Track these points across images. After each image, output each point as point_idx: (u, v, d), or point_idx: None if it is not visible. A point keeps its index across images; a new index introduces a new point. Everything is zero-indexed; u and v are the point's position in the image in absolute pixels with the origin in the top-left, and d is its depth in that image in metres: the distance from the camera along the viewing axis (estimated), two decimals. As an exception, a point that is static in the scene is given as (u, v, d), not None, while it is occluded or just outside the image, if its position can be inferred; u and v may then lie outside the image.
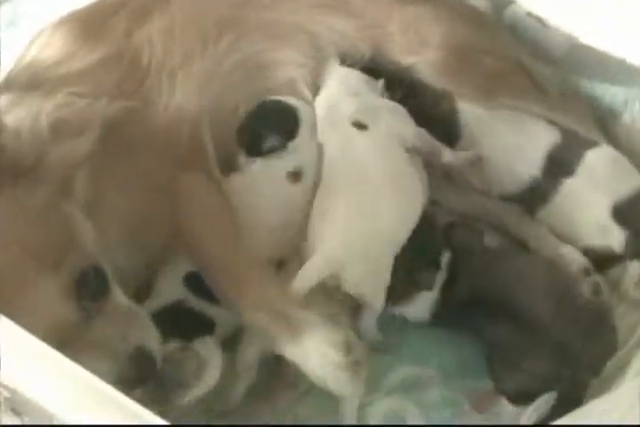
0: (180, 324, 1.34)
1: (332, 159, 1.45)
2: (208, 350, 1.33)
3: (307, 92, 1.54)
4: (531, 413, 1.34)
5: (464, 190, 1.57)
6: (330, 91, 1.54)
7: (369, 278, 1.36)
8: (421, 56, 1.54)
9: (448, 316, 1.43)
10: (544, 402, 1.33)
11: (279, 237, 1.41)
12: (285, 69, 1.55)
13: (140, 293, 1.35)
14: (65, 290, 1.16)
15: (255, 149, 1.47)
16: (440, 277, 1.43)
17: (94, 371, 1.14)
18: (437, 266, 1.43)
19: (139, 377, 1.21)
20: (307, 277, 1.32)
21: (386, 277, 1.38)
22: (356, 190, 1.40)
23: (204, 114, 1.47)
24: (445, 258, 1.43)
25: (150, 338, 1.24)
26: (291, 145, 1.47)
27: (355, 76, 1.55)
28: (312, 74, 1.56)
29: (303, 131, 1.49)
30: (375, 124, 1.48)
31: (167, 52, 1.48)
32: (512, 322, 1.38)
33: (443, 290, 1.42)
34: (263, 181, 1.45)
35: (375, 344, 1.40)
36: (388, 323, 1.44)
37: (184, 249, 1.36)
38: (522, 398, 1.36)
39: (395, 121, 1.49)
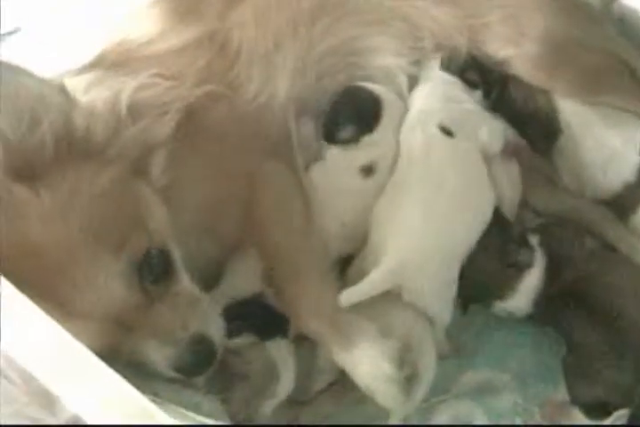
0: (255, 319, 1.32)
1: (411, 160, 1.41)
2: (281, 353, 1.32)
3: (403, 84, 1.50)
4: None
5: (556, 191, 1.53)
6: (425, 91, 1.49)
7: (434, 292, 1.33)
8: (518, 48, 1.47)
9: (544, 312, 1.38)
10: (619, 418, 1.28)
11: (350, 232, 1.39)
12: (382, 57, 1.50)
13: (209, 281, 1.33)
14: (127, 271, 1.14)
15: (332, 136, 1.44)
16: (539, 259, 1.38)
17: (153, 356, 1.18)
18: (528, 246, 1.39)
19: (197, 365, 1.20)
20: (365, 290, 1.30)
21: (452, 291, 1.35)
22: (432, 199, 1.37)
23: (294, 101, 1.44)
24: (534, 239, 1.40)
25: (212, 326, 1.23)
26: (368, 137, 1.43)
27: (453, 83, 1.50)
28: (410, 65, 1.51)
29: (385, 124, 1.45)
30: (463, 133, 1.43)
31: (259, 35, 1.45)
32: (604, 328, 1.33)
33: (544, 281, 1.37)
34: (336, 172, 1.42)
35: (446, 352, 1.38)
36: (465, 326, 1.42)
37: (254, 240, 1.35)
38: (597, 410, 1.31)
39: (484, 135, 1.44)
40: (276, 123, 1.42)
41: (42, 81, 1.17)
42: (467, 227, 1.37)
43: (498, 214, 1.40)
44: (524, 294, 1.37)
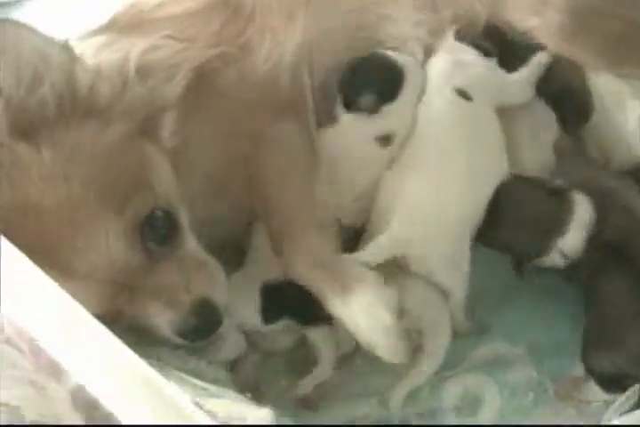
0: (294, 303, 1.30)
1: (427, 126, 1.38)
2: (323, 340, 1.30)
3: (419, 54, 1.47)
4: (621, 403, 1.24)
5: (579, 163, 1.49)
6: (440, 59, 1.45)
7: (442, 262, 1.30)
8: (540, 18, 1.44)
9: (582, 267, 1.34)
10: (633, 394, 1.24)
11: (364, 202, 1.35)
12: (399, 26, 1.47)
13: (227, 251, 1.32)
14: (129, 230, 1.13)
15: (351, 103, 1.40)
16: (581, 195, 1.34)
17: (155, 319, 1.17)
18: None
19: (199, 330, 1.19)
20: (369, 256, 1.27)
21: (463, 262, 1.32)
22: (438, 168, 1.34)
23: (307, 63, 1.42)
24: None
25: (217, 291, 1.21)
26: (387, 107, 1.39)
27: (468, 51, 1.46)
28: (428, 35, 1.48)
29: (406, 93, 1.41)
30: (480, 95, 1.40)
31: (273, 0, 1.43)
32: (637, 290, 1.29)
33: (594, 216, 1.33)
34: (352, 138, 1.39)
35: (464, 329, 1.35)
36: (481, 299, 1.37)
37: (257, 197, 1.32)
38: (613, 382, 1.27)
39: (503, 99, 1.42)
40: (287, 84, 1.40)
41: (45, 39, 1.15)
42: (474, 195, 1.33)
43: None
44: (578, 223, 1.32)
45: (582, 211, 1.33)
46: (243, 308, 1.29)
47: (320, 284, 1.25)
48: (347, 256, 1.28)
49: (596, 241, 1.32)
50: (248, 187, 1.33)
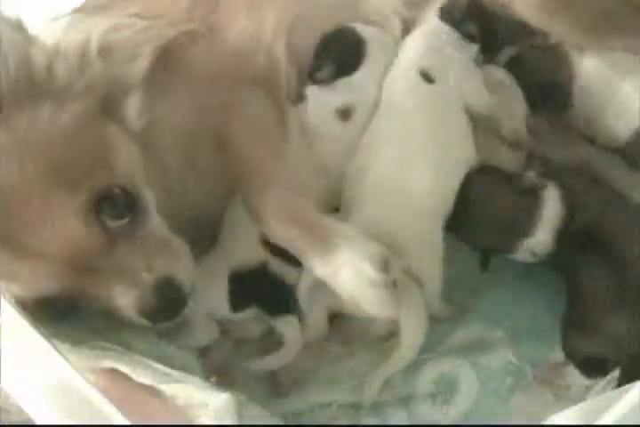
0: (262, 292, 1.28)
1: (389, 106, 1.36)
2: (290, 330, 1.27)
3: (397, 29, 1.44)
4: (602, 387, 1.22)
5: (567, 140, 1.45)
6: (415, 38, 1.42)
7: (412, 243, 1.27)
8: None
9: (556, 255, 1.31)
10: (613, 380, 1.21)
11: (336, 179, 1.33)
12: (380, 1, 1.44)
13: (204, 235, 1.30)
14: (84, 208, 1.10)
15: (313, 75, 1.40)
16: (552, 189, 1.31)
17: (118, 300, 1.14)
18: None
19: (162, 310, 1.16)
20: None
21: (436, 247, 1.29)
22: (398, 149, 1.31)
23: (285, 40, 1.40)
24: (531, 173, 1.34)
25: (181, 269, 1.18)
26: (346, 80, 1.38)
27: (448, 34, 1.42)
28: (407, 9, 1.45)
29: (366, 67, 1.39)
30: (443, 81, 1.37)
31: None
32: (613, 275, 1.26)
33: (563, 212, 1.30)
34: (314, 112, 1.37)
35: (441, 315, 1.32)
36: (460, 283, 1.35)
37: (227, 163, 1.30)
38: (593, 367, 1.25)
39: (464, 82, 1.38)
40: (259, 56, 1.38)
41: None
42: (441, 177, 1.30)
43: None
44: (546, 223, 1.29)
45: (552, 210, 1.30)
46: (211, 295, 1.27)
47: (301, 242, 1.22)
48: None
49: (570, 228, 1.29)
50: (220, 157, 1.30)
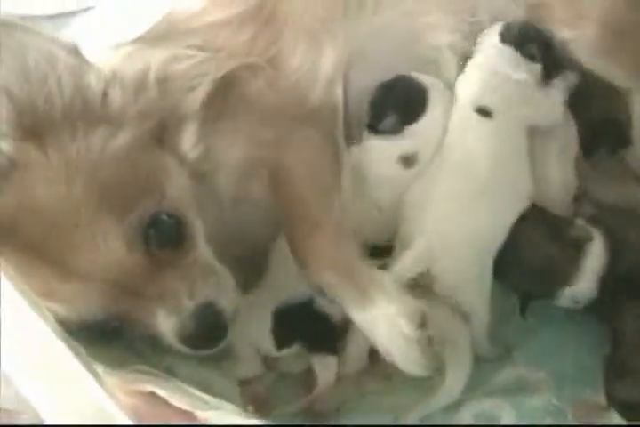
0: (307, 328, 1.29)
1: (448, 145, 1.36)
2: (324, 372, 1.29)
3: (450, 62, 1.43)
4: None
5: (618, 180, 1.45)
6: (473, 69, 1.42)
7: (464, 283, 1.28)
8: (576, 31, 1.39)
9: (599, 301, 1.30)
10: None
11: (387, 219, 1.34)
12: (436, 35, 1.44)
13: (253, 270, 1.32)
14: (130, 233, 1.13)
15: (374, 125, 1.39)
16: (598, 236, 1.30)
17: (160, 326, 1.16)
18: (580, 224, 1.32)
19: (202, 336, 1.17)
20: (402, 268, 1.26)
21: (485, 284, 1.29)
22: (460, 184, 1.32)
23: (342, 79, 1.41)
24: (580, 220, 1.33)
25: (224, 297, 1.19)
26: (410, 128, 1.38)
27: (508, 55, 1.42)
28: (466, 40, 1.44)
29: (429, 114, 1.39)
30: (503, 111, 1.36)
31: (307, 10, 1.41)
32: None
33: (607, 261, 1.29)
34: (375, 160, 1.37)
35: (486, 354, 1.32)
36: (506, 323, 1.35)
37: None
38: (633, 411, 1.23)
39: (529, 112, 1.38)
40: (317, 95, 1.38)
41: (52, 40, 1.17)
42: (498, 215, 1.31)
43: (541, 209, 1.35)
44: (589, 274, 1.29)
45: (596, 261, 1.29)
46: (256, 330, 1.28)
47: (343, 290, 1.24)
48: (371, 264, 1.26)
49: (611, 275, 1.29)
50: (270, 195, 1.32)
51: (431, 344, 1.21)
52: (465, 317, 1.29)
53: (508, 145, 1.36)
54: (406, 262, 1.27)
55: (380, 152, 1.38)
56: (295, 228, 1.29)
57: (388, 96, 1.41)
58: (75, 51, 1.19)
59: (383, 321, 1.20)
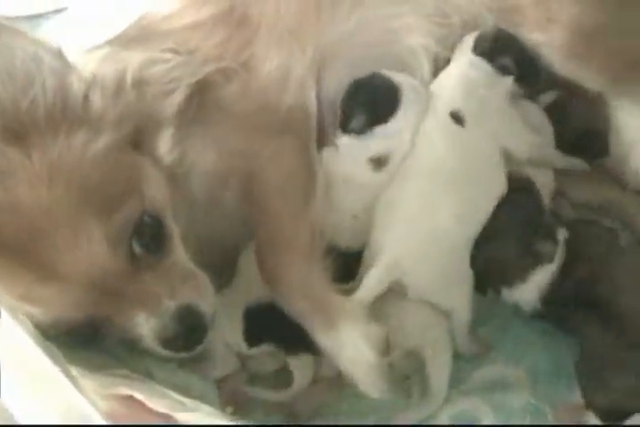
0: (278, 328, 1.28)
1: (418, 148, 1.36)
2: (299, 371, 1.29)
3: (427, 64, 1.43)
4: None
5: (597, 183, 1.46)
6: (449, 75, 1.42)
7: (439, 284, 1.28)
8: (546, 34, 1.39)
9: (553, 308, 1.31)
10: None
11: (361, 225, 1.33)
12: (409, 37, 1.43)
13: (223, 274, 1.31)
14: (113, 235, 1.12)
15: (345, 125, 1.39)
16: (558, 254, 1.31)
17: (140, 328, 1.16)
18: (554, 239, 1.32)
19: (182, 338, 1.17)
20: (370, 288, 1.26)
21: (464, 282, 1.30)
22: (423, 189, 1.32)
23: (313, 80, 1.40)
24: (562, 235, 1.32)
25: (204, 299, 1.20)
26: (380, 129, 1.37)
27: (483, 73, 1.41)
28: (439, 44, 1.44)
29: (401, 116, 1.37)
30: (476, 123, 1.36)
31: (279, 13, 1.41)
32: (615, 330, 1.26)
33: (555, 280, 1.30)
34: (346, 161, 1.37)
35: (467, 350, 1.33)
36: (485, 321, 1.35)
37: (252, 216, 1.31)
38: (611, 415, 1.23)
39: (501, 128, 1.38)
40: (291, 99, 1.38)
41: (37, 43, 1.17)
42: (454, 214, 1.30)
43: (535, 200, 1.35)
44: (532, 287, 1.30)
45: (543, 278, 1.30)
46: (227, 329, 1.28)
47: (308, 315, 1.25)
48: (337, 290, 1.26)
49: (564, 289, 1.30)
50: (244, 205, 1.32)
51: (392, 367, 1.23)
52: (444, 314, 1.30)
53: (478, 152, 1.35)
54: (373, 279, 1.26)
55: (350, 152, 1.38)
56: (265, 245, 1.29)
57: (359, 94, 1.39)
58: (59, 53, 1.19)
59: (347, 347, 1.22)
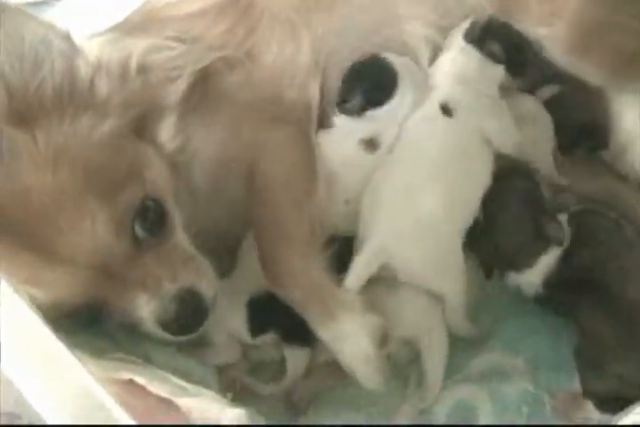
0: (282, 317, 1.29)
1: (407, 136, 1.36)
2: (293, 362, 1.30)
3: (426, 53, 1.43)
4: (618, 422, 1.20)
5: (600, 175, 1.46)
6: (442, 65, 1.42)
7: (429, 267, 1.28)
8: (549, 29, 1.38)
9: (555, 292, 1.31)
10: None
11: (353, 209, 1.33)
12: (410, 26, 1.43)
13: (224, 261, 1.32)
14: (116, 217, 1.13)
15: (341, 105, 1.39)
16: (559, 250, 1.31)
17: (140, 311, 1.17)
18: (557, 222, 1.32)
19: (183, 320, 1.18)
20: (357, 274, 1.26)
21: (456, 265, 1.30)
22: (408, 175, 1.32)
23: (317, 68, 1.41)
24: (563, 218, 1.33)
25: (204, 283, 1.20)
26: (375, 111, 1.38)
27: (473, 60, 1.41)
28: (437, 34, 1.44)
29: (397, 99, 1.38)
30: (464, 116, 1.36)
31: (282, 0, 1.41)
32: (616, 318, 1.26)
33: (559, 263, 1.30)
34: (339, 141, 1.37)
35: (466, 334, 1.33)
36: (484, 309, 1.36)
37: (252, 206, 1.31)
38: (609, 403, 1.24)
39: (489, 122, 1.37)
40: (294, 88, 1.39)
41: (47, 26, 1.18)
42: (438, 198, 1.30)
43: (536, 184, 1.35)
44: (538, 270, 1.30)
45: (551, 261, 1.30)
46: (231, 318, 1.29)
47: (306, 306, 1.25)
48: (336, 281, 1.27)
49: (572, 273, 1.30)
50: (245, 194, 1.32)
51: (389, 358, 1.25)
52: (439, 299, 1.30)
53: (463, 143, 1.35)
54: (361, 263, 1.27)
55: (343, 131, 1.38)
56: (264, 236, 1.30)
57: (355, 76, 1.40)
58: (67, 37, 1.19)
59: (346, 339, 1.23)
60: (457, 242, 1.31)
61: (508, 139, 1.38)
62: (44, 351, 0.89)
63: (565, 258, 1.30)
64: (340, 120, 1.39)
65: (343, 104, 1.39)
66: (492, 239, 1.33)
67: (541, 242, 1.31)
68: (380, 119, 1.38)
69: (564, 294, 1.31)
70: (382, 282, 1.29)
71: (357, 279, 1.26)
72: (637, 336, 1.24)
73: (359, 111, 1.38)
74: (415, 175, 1.32)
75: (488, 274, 1.35)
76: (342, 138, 1.37)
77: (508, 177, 1.35)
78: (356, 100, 1.38)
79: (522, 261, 1.31)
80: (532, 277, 1.31)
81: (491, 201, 1.33)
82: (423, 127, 1.36)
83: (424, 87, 1.40)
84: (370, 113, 1.38)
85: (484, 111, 1.38)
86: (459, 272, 1.30)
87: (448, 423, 1.28)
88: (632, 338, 1.24)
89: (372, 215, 1.31)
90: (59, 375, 0.88)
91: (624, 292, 1.26)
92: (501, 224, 1.33)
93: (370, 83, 1.39)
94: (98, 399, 0.87)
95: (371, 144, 1.36)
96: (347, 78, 1.40)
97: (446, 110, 1.36)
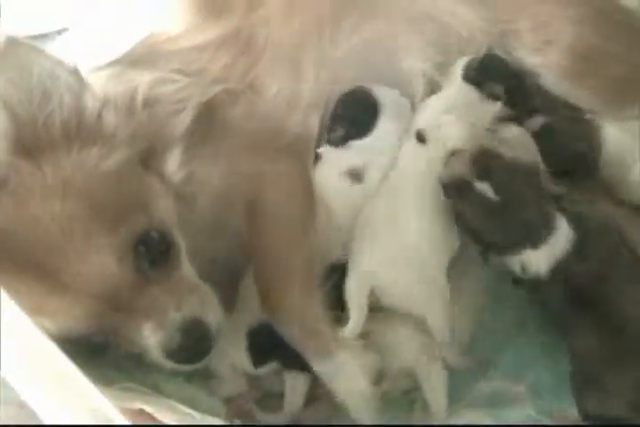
0: (280, 346, 1.30)
1: (398, 164, 1.39)
2: (291, 390, 1.31)
3: (421, 88, 1.46)
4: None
5: (592, 199, 1.47)
6: (437, 99, 1.45)
7: (412, 290, 1.30)
8: (544, 57, 1.43)
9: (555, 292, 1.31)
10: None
11: (345, 236, 1.35)
12: (408, 59, 1.47)
13: (227, 294, 1.32)
14: (122, 248, 1.14)
15: (327, 136, 1.43)
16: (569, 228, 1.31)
17: (146, 340, 1.17)
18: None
19: (188, 350, 1.18)
20: (355, 321, 1.28)
21: (440, 293, 1.32)
22: (395, 203, 1.35)
23: (319, 101, 1.44)
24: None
25: (210, 312, 1.21)
26: (358, 143, 1.41)
27: (469, 97, 1.44)
28: (433, 69, 1.47)
29: (380, 130, 1.42)
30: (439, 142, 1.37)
31: (284, 33, 1.44)
32: (613, 334, 1.27)
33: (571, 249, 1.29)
34: (327, 172, 1.40)
35: (459, 365, 1.34)
36: (484, 336, 1.38)
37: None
38: (605, 425, 1.25)
39: None
40: (296, 120, 1.41)
41: (55, 60, 1.19)
42: (434, 235, 1.33)
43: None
44: (551, 248, 1.28)
45: (561, 237, 1.29)
46: (232, 351, 1.30)
47: (302, 342, 1.27)
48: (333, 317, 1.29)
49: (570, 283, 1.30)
50: (245, 228, 1.34)
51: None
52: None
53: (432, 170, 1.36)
54: (351, 294, 1.29)
55: (330, 163, 1.41)
56: (264, 271, 1.32)
57: (339, 108, 1.43)
58: (75, 71, 1.21)
59: (341, 376, 1.26)
60: (442, 270, 1.32)
61: None
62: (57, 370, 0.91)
63: (576, 250, 1.29)
64: (325, 151, 1.41)
65: (328, 135, 1.42)
66: (502, 216, 1.30)
67: (547, 221, 1.30)
68: (363, 149, 1.41)
69: (561, 312, 1.31)
70: (379, 315, 1.30)
71: (356, 327, 1.27)
72: (630, 352, 1.25)
73: (342, 142, 1.41)
74: (400, 204, 1.34)
75: (486, 258, 1.34)
76: (330, 168, 1.40)
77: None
78: (339, 131, 1.41)
79: (537, 236, 1.29)
80: (543, 258, 1.29)
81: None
82: (406, 156, 1.39)
83: (409, 118, 1.42)
84: (353, 143, 1.41)
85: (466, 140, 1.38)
86: (444, 297, 1.31)
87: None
88: (624, 354, 1.25)
89: (360, 241, 1.33)
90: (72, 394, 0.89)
91: (626, 310, 1.27)
92: (515, 198, 1.31)
93: (352, 113, 1.43)
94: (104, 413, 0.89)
95: (356, 176, 1.39)
96: (332, 110, 1.43)
97: (420, 137, 1.38)
